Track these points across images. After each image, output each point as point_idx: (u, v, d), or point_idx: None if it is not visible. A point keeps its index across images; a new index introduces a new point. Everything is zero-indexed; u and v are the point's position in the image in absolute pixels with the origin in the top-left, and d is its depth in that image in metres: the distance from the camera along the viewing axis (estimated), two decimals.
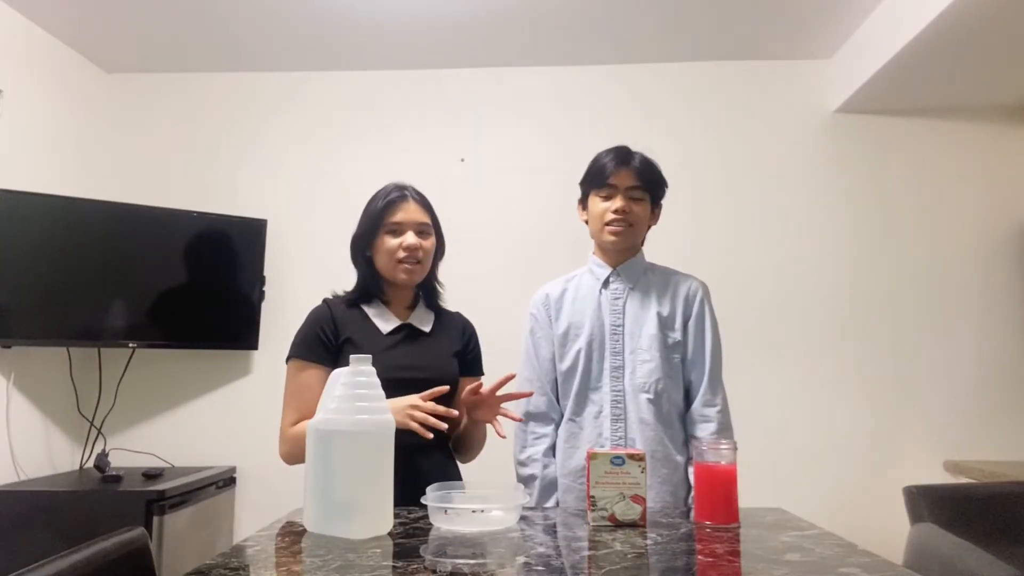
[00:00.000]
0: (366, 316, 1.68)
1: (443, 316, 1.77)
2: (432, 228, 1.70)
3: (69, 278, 2.74)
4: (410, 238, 1.64)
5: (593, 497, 1.31)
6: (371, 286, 1.70)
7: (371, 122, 3.22)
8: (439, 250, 1.74)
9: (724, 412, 1.73)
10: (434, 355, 1.68)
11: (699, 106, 3.16)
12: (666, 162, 1.80)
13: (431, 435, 1.43)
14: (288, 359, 1.65)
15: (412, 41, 2.99)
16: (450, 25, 2.85)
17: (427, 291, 1.77)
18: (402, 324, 1.68)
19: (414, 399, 1.47)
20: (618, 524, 1.29)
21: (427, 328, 1.70)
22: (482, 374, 1.78)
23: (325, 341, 1.62)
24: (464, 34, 2.93)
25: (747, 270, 3.04)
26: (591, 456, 1.32)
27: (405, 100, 3.23)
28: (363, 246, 1.69)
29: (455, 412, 1.48)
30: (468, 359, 1.76)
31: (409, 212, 1.65)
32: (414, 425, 1.42)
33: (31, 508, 2.43)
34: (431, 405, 1.46)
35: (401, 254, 1.64)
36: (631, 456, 1.31)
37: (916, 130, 3.07)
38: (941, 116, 3.06)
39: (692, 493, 1.74)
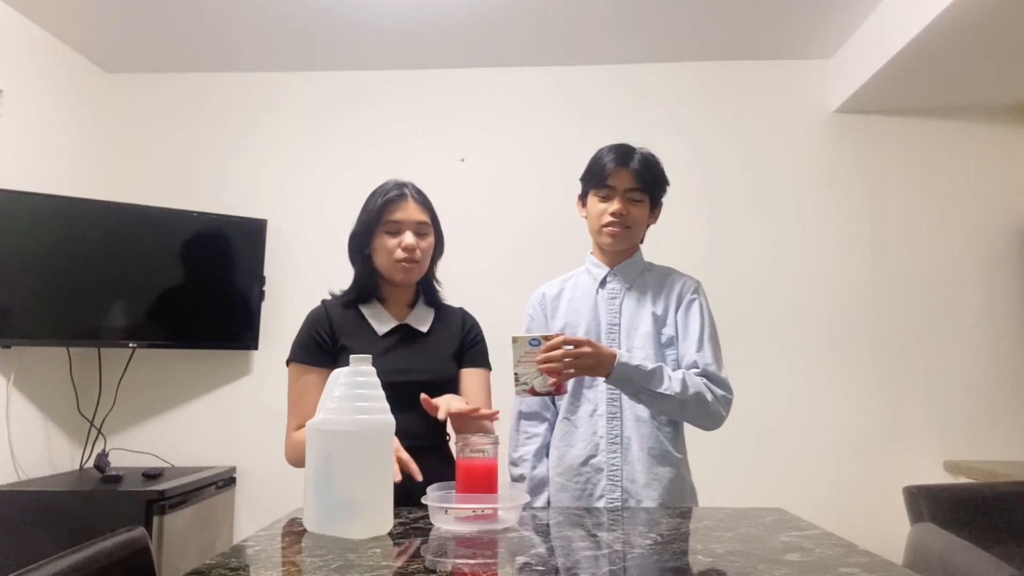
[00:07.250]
0: (362, 317, 1.67)
1: (443, 313, 1.75)
2: (431, 227, 1.68)
3: (69, 278, 2.74)
4: (408, 238, 1.62)
5: (516, 374, 1.53)
6: (368, 285, 1.69)
7: (373, 122, 3.22)
8: (438, 248, 1.73)
9: (715, 364, 1.67)
10: (431, 357, 1.66)
11: (699, 106, 3.16)
12: (667, 161, 1.79)
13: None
14: (288, 362, 1.65)
15: (414, 41, 2.99)
16: (452, 25, 2.85)
17: (427, 289, 1.76)
18: (399, 325, 1.67)
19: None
20: (536, 394, 1.54)
21: (424, 328, 1.68)
22: (488, 368, 1.74)
23: (322, 343, 1.62)
24: (466, 34, 2.93)
25: (747, 269, 3.04)
26: (514, 340, 1.54)
27: (406, 100, 3.23)
28: (361, 244, 1.68)
29: (416, 477, 1.35)
30: (468, 350, 1.71)
31: (408, 211, 1.64)
32: None
33: (31, 508, 2.43)
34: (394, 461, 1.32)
35: (400, 254, 1.62)
36: (546, 338, 1.52)
37: (916, 130, 3.07)
38: (941, 116, 3.06)
39: (694, 490, 1.74)
